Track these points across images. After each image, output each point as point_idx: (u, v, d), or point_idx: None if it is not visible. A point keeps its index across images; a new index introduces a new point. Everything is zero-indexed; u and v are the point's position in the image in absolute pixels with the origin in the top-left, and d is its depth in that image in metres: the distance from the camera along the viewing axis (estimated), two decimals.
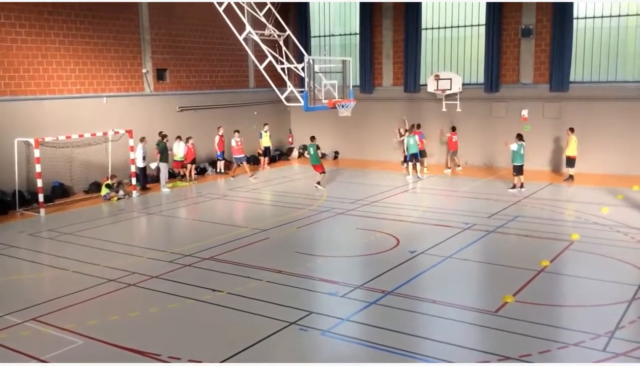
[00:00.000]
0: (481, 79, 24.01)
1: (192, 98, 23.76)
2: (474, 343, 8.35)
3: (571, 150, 20.33)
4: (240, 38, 16.27)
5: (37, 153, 16.90)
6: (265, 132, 24.53)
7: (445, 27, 24.93)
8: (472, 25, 24.32)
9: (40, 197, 16.92)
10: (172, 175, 21.63)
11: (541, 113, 22.80)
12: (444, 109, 24.11)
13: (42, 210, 16.88)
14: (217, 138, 22.93)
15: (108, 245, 13.63)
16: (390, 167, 23.91)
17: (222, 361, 7.75)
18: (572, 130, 20.31)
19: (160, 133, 20.63)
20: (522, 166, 18.86)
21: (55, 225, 15.65)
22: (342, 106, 16.64)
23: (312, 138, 20.36)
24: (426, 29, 25.15)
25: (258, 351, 8.09)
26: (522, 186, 18.94)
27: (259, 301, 9.83)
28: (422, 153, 22.20)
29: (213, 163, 23.97)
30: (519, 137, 19.05)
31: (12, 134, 17.56)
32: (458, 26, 24.64)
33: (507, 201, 17.35)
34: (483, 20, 23.64)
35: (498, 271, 11.53)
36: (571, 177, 20.31)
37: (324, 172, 19.91)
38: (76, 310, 9.73)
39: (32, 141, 17.03)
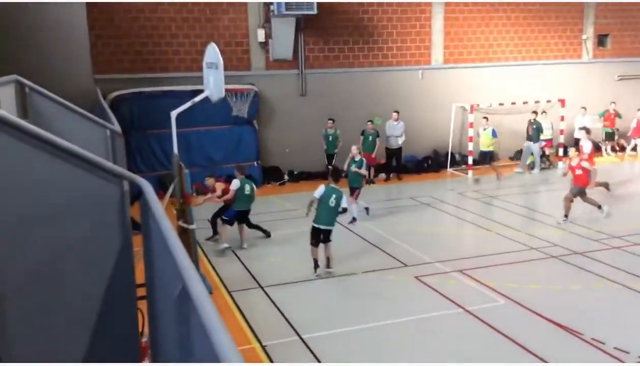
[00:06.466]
0: None
1: (635, 66, 21.36)
2: None
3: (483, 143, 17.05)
4: None
5: (471, 118, 17.97)
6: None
7: None
8: None
9: (469, 160, 18.02)
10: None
11: None
12: None
13: (470, 172, 17.96)
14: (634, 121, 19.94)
15: (528, 212, 13.72)
16: None
17: None
18: (486, 119, 17.36)
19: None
20: None
21: (480, 187, 16.48)
22: None
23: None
24: None
25: None
26: None
27: None
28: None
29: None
30: None
31: (451, 99, 19.01)
32: None
33: None
34: None
35: None
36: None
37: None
38: (497, 270, 10.09)
39: (467, 106, 18.18)
